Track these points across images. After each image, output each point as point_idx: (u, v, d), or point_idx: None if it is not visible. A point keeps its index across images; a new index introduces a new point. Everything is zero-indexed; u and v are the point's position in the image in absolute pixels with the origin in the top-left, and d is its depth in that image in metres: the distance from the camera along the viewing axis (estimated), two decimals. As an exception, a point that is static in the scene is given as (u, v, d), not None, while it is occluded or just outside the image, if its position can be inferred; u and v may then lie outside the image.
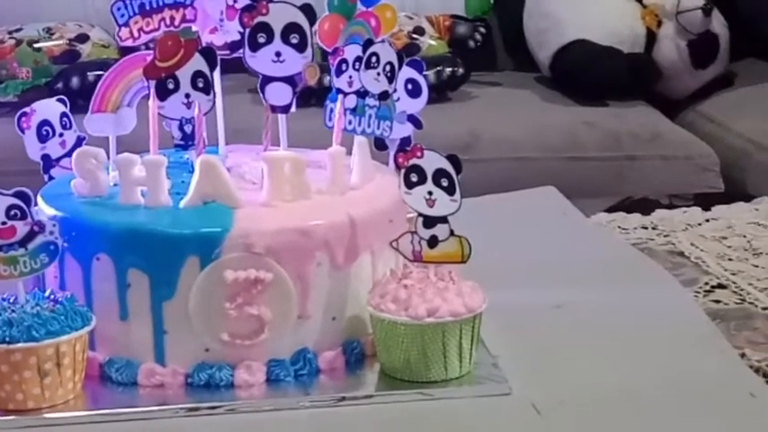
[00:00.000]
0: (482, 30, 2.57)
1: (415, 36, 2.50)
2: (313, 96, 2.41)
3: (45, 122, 1.34)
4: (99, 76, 2.33)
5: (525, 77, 2.67)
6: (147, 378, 1.14)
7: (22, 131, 1.33)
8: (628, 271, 1.44)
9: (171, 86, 1.25)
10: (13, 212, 1.09)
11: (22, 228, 1.10)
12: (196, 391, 1.14)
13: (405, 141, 1.37)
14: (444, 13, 2.61)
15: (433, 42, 2.51)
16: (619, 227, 1.65)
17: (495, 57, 2.85)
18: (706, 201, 1.99)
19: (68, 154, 1.34)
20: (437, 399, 1.12)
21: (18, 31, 2.46)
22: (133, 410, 1.10)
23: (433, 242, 1.15)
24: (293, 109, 1.32)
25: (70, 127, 1.35)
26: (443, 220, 1.15)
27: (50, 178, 1.32)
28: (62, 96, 1.38)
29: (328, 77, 1.28)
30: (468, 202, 1.71)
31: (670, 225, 1.66)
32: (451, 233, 1.15)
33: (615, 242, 1.57)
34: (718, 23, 2.61)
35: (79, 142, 1.35)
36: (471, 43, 2.56)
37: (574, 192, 1.90)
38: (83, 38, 2.45)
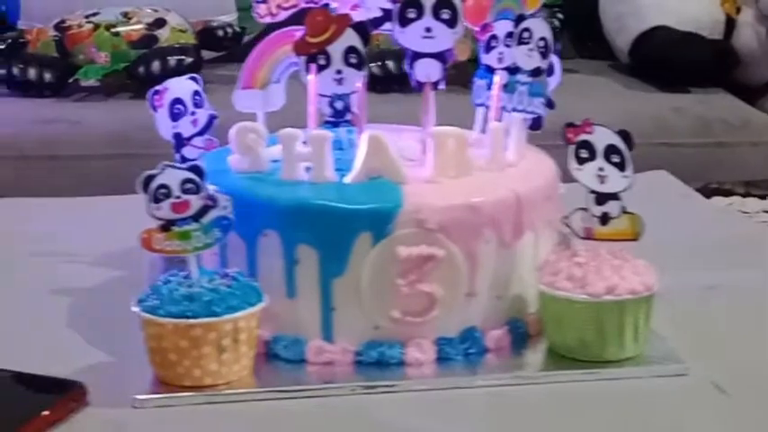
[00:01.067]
0: (560, 16, 2.55)
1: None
2: (394, 83, 2.44)
3: (177, 101, 1.31)
4: (179, 61, 2.36)
5: (598, 65, 2.65)
6: (316, 355, 1.13)
7: (155, 110, 1.31)
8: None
9: (322, 62, 1.24)
10: (187, 186, 1.08)
11: (195, 202, 1.08)
12: (365, 369, 1.12)
13: (536, 122, 1.35)
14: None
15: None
16: (740, 210, 1.63)
17: (563, 44, 2.82)
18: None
19: (200, 133, 1.33)
20: (613, 379, 1.10)
21: (95, 15, 2.44)
22: (312, 387, 1.08)
23: (604, 219, 1.13)
24: (442, 86, 1.31)
25: (202, 105, 1.33)
26: (615, 196, 1.13)
27: (182, 157, 1.31)
28: (195, 75, 1.36)
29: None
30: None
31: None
32: (623, 210, 1.13)
33: (745, 224, 1.56)
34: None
35: (211, 120, 1.33)
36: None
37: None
38: (160, 22, 2.43)
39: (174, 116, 1.30)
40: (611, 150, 1.13)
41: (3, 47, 2.41)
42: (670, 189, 1.69)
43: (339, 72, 1.24)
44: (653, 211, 1.60)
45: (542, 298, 1.14)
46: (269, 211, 1.13)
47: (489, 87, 1.28)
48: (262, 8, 1.30)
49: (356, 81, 1.24)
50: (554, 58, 1.36)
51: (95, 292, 1.30)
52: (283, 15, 1.29)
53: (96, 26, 2.40)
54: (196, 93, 1.33)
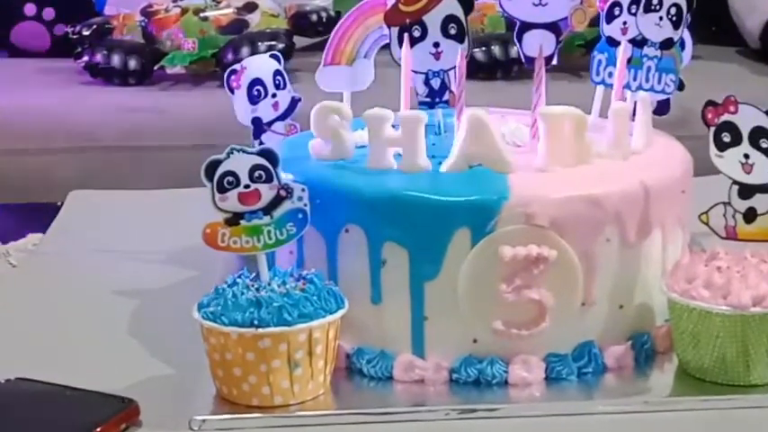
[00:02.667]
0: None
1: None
2: (498, 69, 2.27)
3: (257, 81, 1.18)
4: (270, 47, 2.22)
5: (724, 51, 2.44)
6: (406, 372, 0.97)
7: (232, 91, 1.18)
8: None
9: (417, 34, 1.09)
10: (257, 174, 0.93)
11: (267, 192, 0.93)
12: (462, 389, 0.96)
13: (663, 105, 1.18)
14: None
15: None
16: None
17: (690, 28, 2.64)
18: None
19: (281, 117, 1.18)
20: (761, 407, 0.93)
21: (182, -1, 2.32)
22: (399, 410, 0.93)
23: (750, 216, 0.96)
24: (555, 61, 1.14)
25: (284, 87, 1.19)
26: (764, 188, 0.95)
27: (261, 144, 1.16)
28: (276, 52, 1.22)
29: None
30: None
31: None
32: (774, 205, 0.95)
33: None
34: None
35: (294, 104, 1.19)
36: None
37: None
38: (251, 7, 2.29)
39: (253, 99, 1.18)
40: (759, 134, 0.96)
41: (88, 33, 2.30)
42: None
43: (436, 45, 1.10)
44: None
45: (674, 309, 0.97)
46: (352, 203, 0.98)
47: (610, 63, 1.11)
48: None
49: (456, 55, 1.08)
50: (686, 36, 1.21)
51: (161, 294, 1.16)
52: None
53: (184, 11, 2.27)
54: (277, 73, 1.20)
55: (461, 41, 1.09)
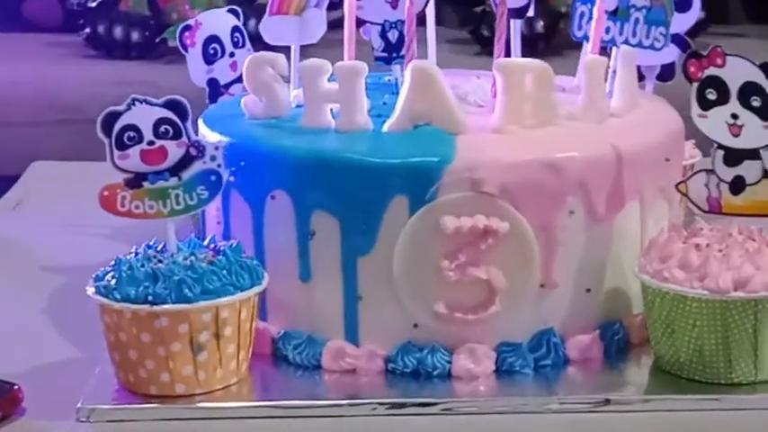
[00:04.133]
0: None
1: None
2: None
3: (213, 38, 1.08)
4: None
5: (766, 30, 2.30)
6: (335, 360, 0.85)
7: (185, 49, 1.07)
8: None
9: (371, -23, 0.97)
10: (163, 129, 0.81)
11: (174, 150, 0.82)
12: (399, 380, 0.84)
13: (666, 70, 1.06)
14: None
15: (661, -18, 2.16)
16: None
17: (728, 7, 2.48)
18: None
19: (240, 79, 1.06)
20: (743, 409, 0.80)
21: (191, -31, 2.23)
22: (316, 403, 0.81)
23: (737, 186, 0.82)
24: (530, 12, 1.01)
25: (243, 45, 1.08)
26: (754, 154, 0.81)
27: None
28: (234, 6, 1.10)
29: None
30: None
31: None
32: (765, 174, 0.81)
33: None
34: None
35: (254, 64, 1.07)
36: (707, -16, 2.20)
37: None
38: (263, -24, 2.19)
39: (209, 58, 1.09)
40: (750, 90, 0.82)
41: (94, 5, 2.22)
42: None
43: (394, -9, 0.97)
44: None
45: (646, 293, 0.84)
46: (278, 166, 0.86)
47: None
48: None
49: (418, 3, 0.95)
50: None
51: (91, 271, 1.05)
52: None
53: (191, -19, 2.19)
54: (236, 29, 1.11)
55: (422, -14, 0.97)
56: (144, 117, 0.82)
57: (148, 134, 0.81)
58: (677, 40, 1.08)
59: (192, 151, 0.82)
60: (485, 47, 2.01)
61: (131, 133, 0.81)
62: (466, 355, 0.84)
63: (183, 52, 1.08)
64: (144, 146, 0.81)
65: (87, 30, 2.15)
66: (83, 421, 0.79)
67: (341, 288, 0.85)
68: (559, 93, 0.95)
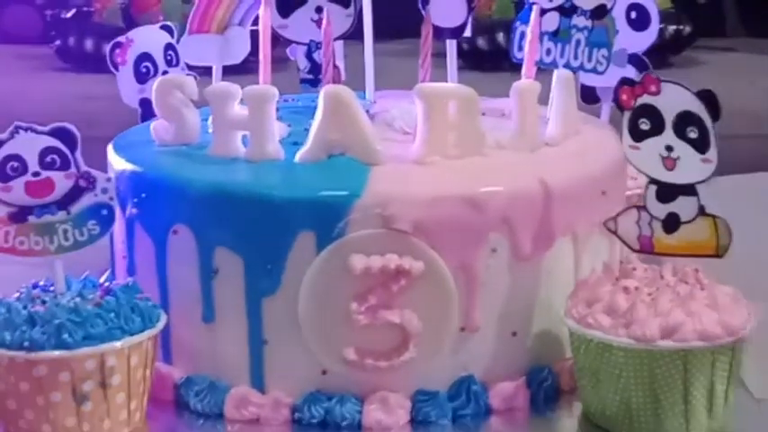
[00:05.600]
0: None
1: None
2: (505, 59, 2.08)
3: (145, 56, 1.03)
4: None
5: (764, 44, 2.25)
6: (238, 409, 0.80)
7: (116, 68, 1.03)
8: None
9: (297, -4, 0.91)
10: (49, 159, 0.76)
11: (62, 181, 0.76)
12: (306, 431, 0.78)
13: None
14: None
15: (652, -5, 2.11)
16: None
17: (724, 20, 2.43)
18: None
19: (174, 98, 1.01)
20: (673, 469, 0.73)
21: (164, -20, 2.19)
22: (207, 460, 0.75)
23: (671, 224, 0.76)
24: (467, 32, 0.95)
25: (177, 63, 1.03)
26: (689, 190, 0.75)
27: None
28: (167, 23, 1.05)
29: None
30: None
31: None
32: (701, 211, 0.75)
33: None
34: None
35: (189, 83, 1.02)
36: (701, -2, 2.15)
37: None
38: (239, -11, 2.15)
39: (141, 77, 1.03)
40: (686, 120, 0.76)
41: (68, 16, 2.18)
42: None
43: (319, 10, 0.91)
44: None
45: (572, 338, 0.77)
46: (180, 198, 0.81)
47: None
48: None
49: (343, 24, 0.90)
50: (651, 6, 1.05)
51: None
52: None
53: (166, -8, 2.15)
54: (169, 47, 1.05)
55: (347, 7, 0.91)
56: (29, 146, 0.76)
57: (33, 164, 0.76)
58: (634, 60, 1.04)
59: (82, 183, 0.77)
60: (466, 60, 1.97)
61: (15, 163, 0.76)
62: (378, 405, 0.78)
63: (114, 71, 1.03)
64: (29, 177, 0.76)
65: (58, 42, 2.11)
66: (-47, 479, 0.74)
67: (246, 330, 0.80)
68: (497, 118, 0.90)
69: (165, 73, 1.06)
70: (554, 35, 0.92)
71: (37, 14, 2.40)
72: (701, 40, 2.18)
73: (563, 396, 0.82)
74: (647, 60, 1.04)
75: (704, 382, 0.74)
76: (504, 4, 2.15)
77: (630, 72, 1.01)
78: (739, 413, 0.78)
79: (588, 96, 1.03)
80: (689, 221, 0.76)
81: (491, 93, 1.00)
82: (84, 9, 2.19)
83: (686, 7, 2.15)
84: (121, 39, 1.05)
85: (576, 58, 0.92)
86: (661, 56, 2.06)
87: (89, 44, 2.09)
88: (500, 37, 2.07)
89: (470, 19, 0.96)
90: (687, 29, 2.05)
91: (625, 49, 1.02)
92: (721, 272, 0.78)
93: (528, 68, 0.88)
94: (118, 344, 0.74)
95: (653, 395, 0.74)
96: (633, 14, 1.04)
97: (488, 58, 2.05)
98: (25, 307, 0.75)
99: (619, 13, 1.01)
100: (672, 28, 2.04)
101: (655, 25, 1.05)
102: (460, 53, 2.26)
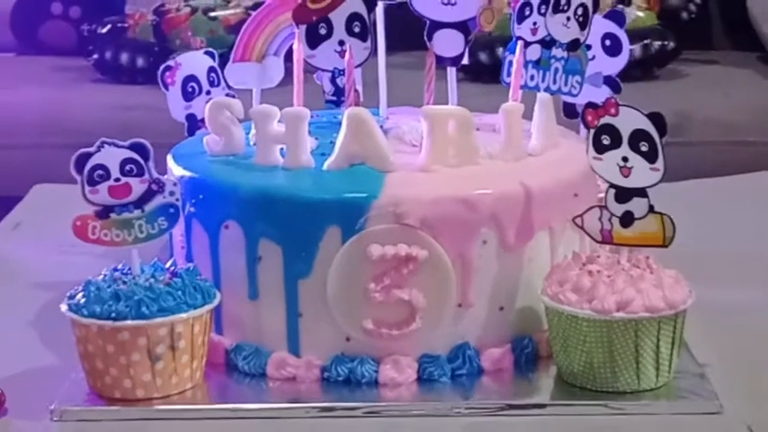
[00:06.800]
0: (697, 1, 2.30)
1: (620, 7, 2.25)
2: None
3: (191, 78, 1.19)
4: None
5: (746, 57, 2.38)
6: (278, 369, 0.97)
7: (166, 87, 1.19)
8: None
9: (323, 32, 1.09)
10: (128, 167, 0.94)
11: (138, 186, 0.94)
12: (333, 387, 0.96)
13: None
14: (657, -18, 2.36)
15: (640, 13, 2.25)
16: None
17: (711, 33, 2.57)
18: None
19: (216, 114, 1.19)
20: (626, 413, 0.91)
21: (194, -2, 2.35)
22: (256, 407, 0.93)
23: (626, 220, 0.94)
24: (465, 60, 1.13)
25: (218, 84, 1.19)
26: (641, 192, 0.93)
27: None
28: (210, 49, 1.22)
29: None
30: (674, 186, 1.47)
31: None
32: (651, 209, 0.93)
33: None
34: None
35: (228, 101, 1.19)
36: (684, 15, 2.29)
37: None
38: (260, 6, 2.31)
39: (188, 95, 1.19)
40: (639, 136, 0.93)
41: (104, 31, 2.35)
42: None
43: (342, 43, 1.09)
44: (741, 216, 1.41)
45: (547, 312, 0.95)
46: (230, 199, 0.98)
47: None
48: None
49: (362, 54, 1.08)
50: (622, 35, 1.19)
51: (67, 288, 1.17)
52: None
53: (194, 10, 2.29)
54: (212, 69, 1.20)
55: (365, 40, 1.09)
56: (111, 157, 0.94)
57: (115, 172, 0.94)
58: (609, 81, 1.20)
59: (154, 187, 0.95)
60: (468, 73, 2.11)
61: (101, 171, 0.93)
62: (391, 366, 0.96)
63: (164, 90, 1.20)
64: (111, 182, 0.94)
65: (96, 55, 2.28)
66: (55, 421, 0.91)
67: (284, 306, 0.97)
68: (489, 132, 1.08)
69: (208, 92, 1.22)
70: (536, 63, 1.08)
71: (72, 28, 2.57)
72: (687, 53, 2.30)
73: (541, 360, 0.99)
74: (620, 81, 1.20)
75: (651, 346, 0.91)
76: (503, 21, 2.31)
77: (605, 91, 1.17)
78: (683, 373, 0.96)
79: (569, 112, 1.17)
80: (641, 218, 0.93)
81: (490, 102, 1.12)
82: (119, 25, 2.36)
83: (672, 22, 2.30)
84: (171, 63, 1.21)
85: (554, 83, 1.08)
86: (648, 69, 2.21)
87: (124, 57, 2.25)
88: (499, 52, 2.21)
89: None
90: (671, 44, 2.18)
91: (601, 72, 1.17)
92: (664, 260, 0.96)
93: (514, 92, 1.06)
94: (184, 315, 0.92)
95: (611, 356, 0.91)
96: (608, 42, 1.18)
97: (488, 71, 2.22)
98: (109, 286, 0.93)
99: (595, 41, 1.18)
100: (657, 43, 2.17)
101: (626, 51, 1.20)
102: (463, 67, 2.41)
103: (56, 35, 2.59)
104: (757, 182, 1.56)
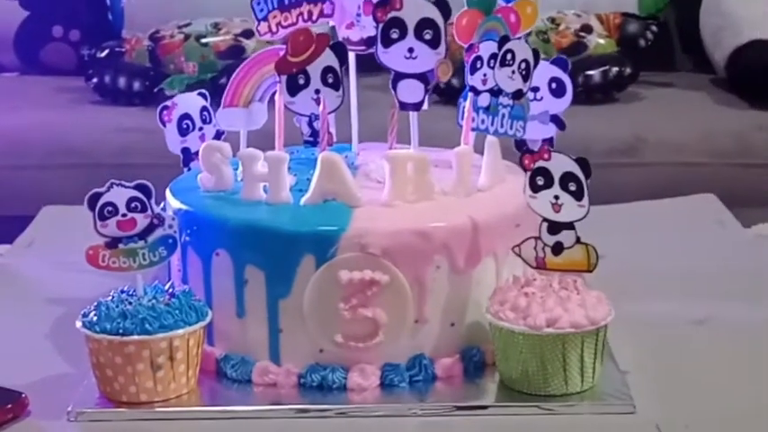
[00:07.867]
0: (654, 28, 2.46)
1: (582, 34, 2.42)
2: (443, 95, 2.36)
3: (185, 116, 1.34)
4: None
5: (701, 79, 2.53)
6: (261, 376, 1.13)
7: (164, 124, 1.34)
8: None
9: (301, 81, 1.24)
10: (133, 205, 1.10)
11: (141, 220, 1.10)
12: (309, 392, 1.12)
13: (547, 143, 1.32)
14: (616, 11, 2.52)
15: (601, 41, 2.42)
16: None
17: (673, 57, 2.72)
18: None
19: (208, 148, 1.34)
20: (555, 413, 1.07)
21: (187, 25, 2.49)
22: (242, 409, 1.09)
23: (557, 249, 1.10)
24: (425, 107, 1.29)
25: (210, 121, 1.34)
26: (569, 226, 1.09)
27: (189, 171, 1.33)
28: (203, 90, 1.38)
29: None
30: (621, 207, 1.64)
31: None
32: (578, 240, 1.09)
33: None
34: None
35: (218, 136, 1.34)
36: (642, 42, 2.45)
37: (741, 200, 1.82)
38: (248, 33, 2.45)
39: (183, 131, 1.34)
40: (568, 178, 1.09)
41: (102, 55, 2.50)
42: (709, 215, 1.61)
43: (317, 92, 1.24)
44: (680, 236, 1.56)
45: (490, 327, 1.11)
46: (221, 230, 1.14)
47: (473, 108, 1.26)
48: (263, 26, 1.31)
49: (334, 102, 1.23)
50: (566, 79, 1.32)
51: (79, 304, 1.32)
52: (282, 33, 1.30)
53: (187, 36, 2.45)
54: (204, 109, 1.36)
55: (338, 89, 1.24)
56: (119, 196, 1.09)
57: (122, 209, 1.09)
58: (555, 119, 1.34)
59: (155, 221, 1.11)
60: (441, 96, 2.24)
61: (110, 208, 1.09)
62: (358, 373, 1.11)
63: (162, 127, 1.35)
64: (119, 217, 1.09)
65: (95, 79, 2.43)
66: (71, 421, 1.07)
67: (266, 323, 1.12)
68: (444, 169, 1.23)
69: (200, 129, 1.37)
70: (486, 109, 1.22)
71: (72, 50, 2.72)
72: (647, 74, 2.45)
73: (487, 367, 1.13)
74: (564, 120, 1.36)
75: (576, 357, 1.07)
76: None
77: (552, 129, 1.34)
78: (606, 378, 1.11)
79: (519, 146, 1.31)
80: (569, 247, 1.08)
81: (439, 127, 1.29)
82: (117, 49, 2.51)
83: (631, 49, 2.45)
84: (168, 103, 1.36)
85: (501, 126, 1.21)
86: (608, 93, 2.37)
87: (122, 81, 2.40)
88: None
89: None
90: (628, 70, 2.34)
91: (548, 111, 1.31)
92: (602, 279, 1.12)
93: (466, 134, 1.21)
94: (181, 331, 1.08)
95: (542, 365, 1.07)
96: (554, 85, 1.31)
97: (460, 94, 2.37)
98: (117, 306, 1.09)
99: (543, 84, 1.31)
100: (615, 69, 2.33)
101: (569, 93, 1.35)
102: (437, 90, 2.56)
103: (57, 57, 2.74)
104: (698, 203, 1.70)
